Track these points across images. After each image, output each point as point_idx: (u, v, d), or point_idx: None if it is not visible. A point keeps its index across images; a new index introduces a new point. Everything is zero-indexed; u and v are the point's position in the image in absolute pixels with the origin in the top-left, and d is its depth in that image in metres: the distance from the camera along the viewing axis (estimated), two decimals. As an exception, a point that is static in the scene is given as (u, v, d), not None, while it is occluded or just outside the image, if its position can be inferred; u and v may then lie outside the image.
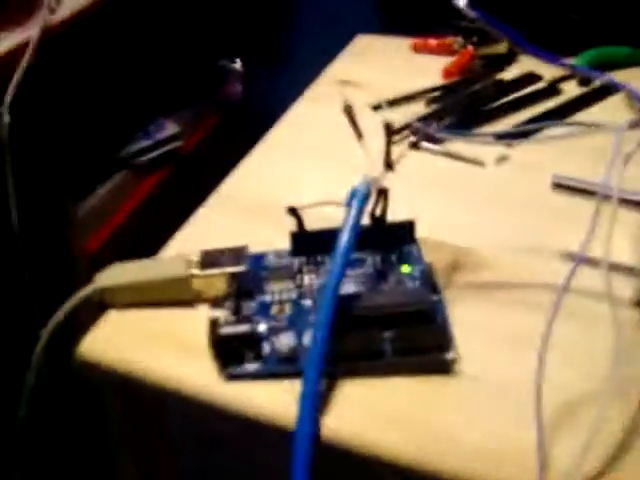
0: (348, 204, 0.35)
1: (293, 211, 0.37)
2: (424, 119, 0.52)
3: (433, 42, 0.67)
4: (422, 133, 0.35)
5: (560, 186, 0.39)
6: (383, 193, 0.38)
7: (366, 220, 0.39)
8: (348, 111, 0.35)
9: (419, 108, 0.59)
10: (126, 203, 1.06)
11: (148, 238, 0.48)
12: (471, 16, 0.32)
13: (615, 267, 0.39)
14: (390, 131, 0.35)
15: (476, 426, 0.32)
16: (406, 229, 0.40)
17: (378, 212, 0.39)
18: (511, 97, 0.61)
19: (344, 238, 0.34)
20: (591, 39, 0.70)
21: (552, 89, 0.64)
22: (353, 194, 0.36)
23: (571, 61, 0.65)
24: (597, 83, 0.65)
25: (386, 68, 0.67)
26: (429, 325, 0.35)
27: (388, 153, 0.36)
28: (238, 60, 1.44)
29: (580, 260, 0.33)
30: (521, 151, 0.53)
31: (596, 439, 0.30)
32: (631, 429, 0.31)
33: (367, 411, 0.33)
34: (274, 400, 0.33)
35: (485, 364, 0.35)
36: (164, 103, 1.20)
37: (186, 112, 1.24)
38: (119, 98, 1.08)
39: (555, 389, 0.33)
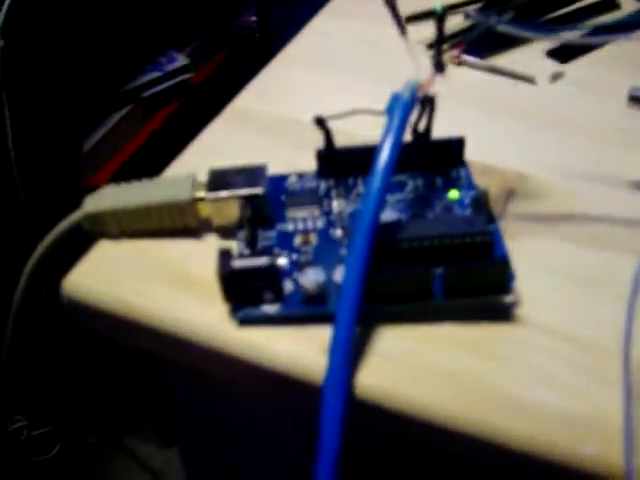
0: (389, 112, 0.28)
1: (321, 122, 0.30)
2: (481, 11, 0.44)
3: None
4: (481, 26, 0.28)
5: (638, 100, 0.32)
6: (430, 102, 0.31)
7: (407, 136, 0.32)
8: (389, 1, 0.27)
9: (458, 20, 0.52)
10: (135, 136, 1.00)
11: (157, 172, 0.41)
12: None
13: None
14: (442, 18, 0.28)
15: (542, 385, 0.26)
16: (454, 148, 0.33)
17: (423, 127, 0.32)
18: (571, 7, 0.54)
19: (385, 153, 0.27)
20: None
21: (611, 2, 0.56)
22: (395, 100, 0.29)
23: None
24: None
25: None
26: (486, 260, 0.28)
27: (439, 50, 0.29)
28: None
29: None
30: (577, 67, 0.46)
31: None
32: None
33: (410, 364, 0.27)
34: (298, 349, 0.27)
35: (553, 311, 0.29)
36: (175, 35, 1.13)
37: (197, 44, 1.16)
38: (128, 30, 1.01)
39: None
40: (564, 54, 0.48)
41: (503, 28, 0.29)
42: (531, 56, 0.47)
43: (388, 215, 0.31)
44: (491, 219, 0.31)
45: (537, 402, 0.25)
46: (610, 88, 0.41)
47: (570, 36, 0.39)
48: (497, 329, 0.28)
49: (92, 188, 0.31)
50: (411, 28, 0.32)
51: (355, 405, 0.26)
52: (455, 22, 0.51)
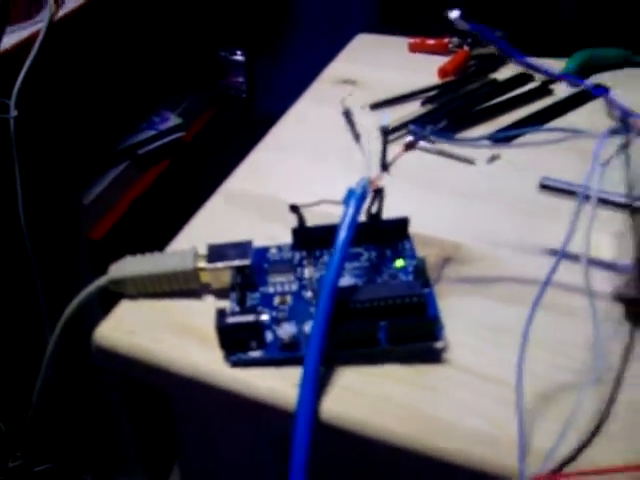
0: (345, 203, 0.38)
1: (294, 208, 0.40)
2: (418, 120, 0.54)
3: (430, 42, 0.69)
4: (417, 135, 0.38)
5: (546, 187, 0.41)
6: (379, 193, 0.41)
7: (363, 217, 0.41)
8: (346, 114, 0.37)
9: (415, 107, 0.62)
10: (130, 192, 1.08)
11: (151, 226, 0.51)
12: (464, 28, 0.34)
13: (595, 263, 0.42)
14: (386, 134, 0.38)
15: (464, 411, 0.35)
16: (400, 226, 0.43)
17: (374, 210, 0.42)
18: (504, 97, 0.64)
19: (341, 235, 0.37)
20: (583, 40, 0.72)
21: (544, 89, 0.66)
22: (350, 194, 0.38)
23: (561, 63, 0.68)
24: (587, 85, 0.68)
25: (385, 67, 0.69)
26: (420, 316, 0.38)
27: (384, 155, 0.38)
28: (240, 52, 1.46)
29: (561, 256, 0.35)
30: (512, 151, 0.56)
31: (574, 425, 0.33)
32: (605, 416, 0.34)
33: (364, 395, 0.36)
34: (276, 384, 0.36)
35: (472, 354, 0.38)
36: (168, 95, 1.23)
37: (188, 103, 1.26)
38: (123, 90, 1.10)
39: (536, 378, 0.35)
40: (503, 138, 0.58)
41: (435, 139, 0.39)
42: (471, 144, 0.57)
43: (347, 280, 0.40)
44: (427, 283, 0.40)
45: (459, 423, 0.34)
46: (533, 168, 0.50)
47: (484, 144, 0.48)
48: (430, 368, 0.37)
49: (91, 242, 0.40)
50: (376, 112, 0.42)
51: (320, 427, 0.35)
52: (412, 109, 0.62)
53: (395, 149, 0.54)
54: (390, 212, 0.43)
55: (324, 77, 0.67)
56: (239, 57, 1.45)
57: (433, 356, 0.38)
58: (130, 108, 1.14)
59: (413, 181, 0.51)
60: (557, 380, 0.36)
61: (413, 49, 0.71)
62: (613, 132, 0.34)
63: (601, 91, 0.54)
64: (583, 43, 0.73)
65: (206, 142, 1.26)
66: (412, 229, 0.45)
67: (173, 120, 1.18)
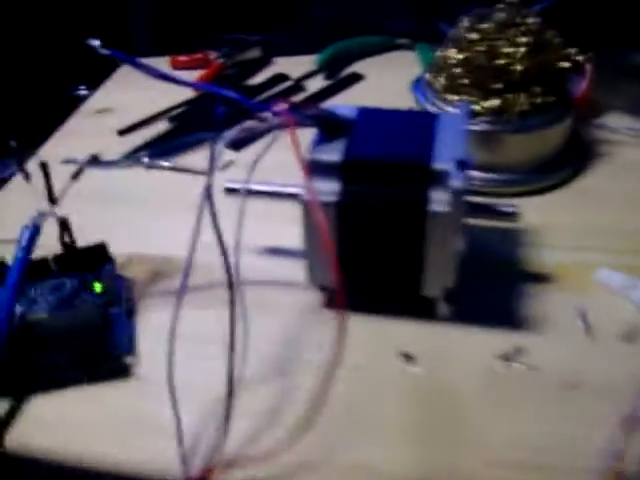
0: (18, 242, 0.39)
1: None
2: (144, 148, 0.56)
3: (184, 58, 0.71)
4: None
5: (232, 191, 0.43)
6: (64, 223, 0.42)
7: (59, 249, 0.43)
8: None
9: (164, 125, 0.63)
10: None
11: None
12: (105, 54, 0.35)
13: (287, 253, 0.45)
14: (46, 169, 0.39)
15: (149, 423, 0.36)
16: (99, 250, 0.44)
17: (67, 239, 0.43)
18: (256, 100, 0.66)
19: (13, 271, 0.38)
20: (338, 34, 0.75)
21: (297, 86, 0.69)
22: (22, 232, 0.39)
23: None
24: (342, 75, 0.70)
25: (145, 90, 0.70)
26: (103, 337, 0.39)
27: (49, 190, 0.39)
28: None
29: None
30: (247, 154, 0.57)
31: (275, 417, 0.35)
32: (286, 408, 0.37)
33: (57, 423, 0.37)
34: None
35: (164, 366, 0.38)
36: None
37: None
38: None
39: (250, 381, 0.36)
40: (238, 144, 0.59)
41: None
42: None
43: (43, 311, 0.41)
44: (119, 302, 0.41)
45: (138, 440, 0.36)
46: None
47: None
48: (120, 384, 0.39)
49: None
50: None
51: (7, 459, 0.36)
52: (160, 127, 0.63)
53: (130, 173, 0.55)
54: (108, 236, 0.45)
55: (81, 110, 0.68)
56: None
57: (122, 373, 0.39)
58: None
59: (134, 201, 0.52)
60: (247, 377, 0.37)
61: (175, 67, 0.72)
62: (240, 129, 0.36)
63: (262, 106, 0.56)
64: (341, 35, 0.75)
65: None
66: (125, 249, 0.46)
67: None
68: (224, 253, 0.31)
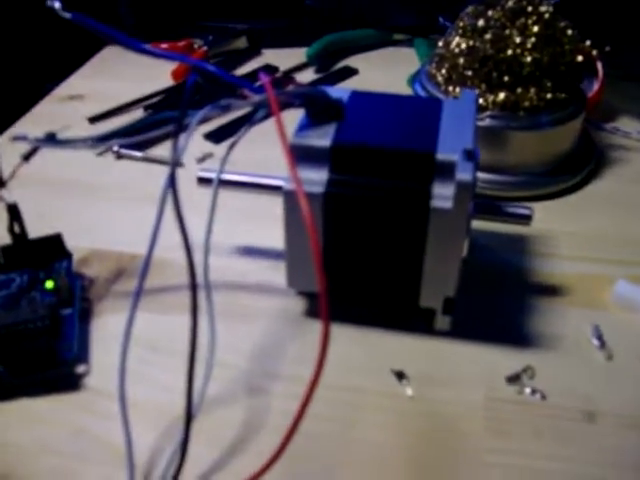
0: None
1: None
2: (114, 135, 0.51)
3: (164, 45, 0.66)
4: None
5: (205, 180, 0.38)
6: (13, 210, 0.36)
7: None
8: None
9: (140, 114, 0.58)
10: None
11: None
12: (66, 17, 0.30)
13: (269, 254, 0.40)
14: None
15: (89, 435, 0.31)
16: (55, 243, 0.39)
17: (17, 230, 0.38)
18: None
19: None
20: (331, 26, 0.70)
21: (287, 79, 0.64)
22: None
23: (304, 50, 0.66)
24: (334, 69, 0.66)
25: (121, 78, 0.65)
26: (48, 342, 0.33)
27: (-1, 174, 0.34)
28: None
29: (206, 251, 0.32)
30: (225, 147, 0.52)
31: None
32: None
33: None
34: None
35: (115, 375, 0.33)
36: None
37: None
38: None
39: (215, 400, 0.32)
40: (218, 136, 0.54)
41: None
42: (192, 140, 0.53)
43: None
44: (70, 303, 0.36)
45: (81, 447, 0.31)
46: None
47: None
48: (66, 397, 0.33)
49: None
50: None
51: None
52: (134, 116, 0.58)
53: (107, 160, 0.50)
54: (62, 227, 0.40)
55: (53, 95, 0.63)
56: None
57: (73, 383, 0.34)
58: None
59: (116, 193, 0.47)
60: (211, 395, 0.32)
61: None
62: (215, 107, 0.31)
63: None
64: (335, 27, 0.71)
65: None
66: (86, 244, 0.41)
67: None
68: (187, 249, 0.25)
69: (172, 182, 0.25)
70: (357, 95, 0.36)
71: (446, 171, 0.30)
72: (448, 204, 0.30)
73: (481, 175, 0.45)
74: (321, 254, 0.26)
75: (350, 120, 0.34)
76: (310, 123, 0.33)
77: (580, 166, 0.48)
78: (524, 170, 0.46)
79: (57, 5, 0.31)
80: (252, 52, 0.69)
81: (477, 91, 0.45)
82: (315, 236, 0.23)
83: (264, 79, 0.28)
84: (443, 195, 0.30)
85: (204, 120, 0.29)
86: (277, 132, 0.26)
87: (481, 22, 0.46)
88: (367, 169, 0.31)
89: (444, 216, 0.30)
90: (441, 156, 0.31)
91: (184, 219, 0.25)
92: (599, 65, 0.54)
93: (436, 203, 0.30)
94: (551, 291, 0.38)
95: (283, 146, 0.26)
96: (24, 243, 0.39)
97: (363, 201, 0.31)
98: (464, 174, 0.29)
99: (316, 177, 0.32)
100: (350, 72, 0.65)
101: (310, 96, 0.33)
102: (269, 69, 0.65)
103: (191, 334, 0.25)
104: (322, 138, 0.32)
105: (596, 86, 0.54)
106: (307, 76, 0.65)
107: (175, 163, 0.26)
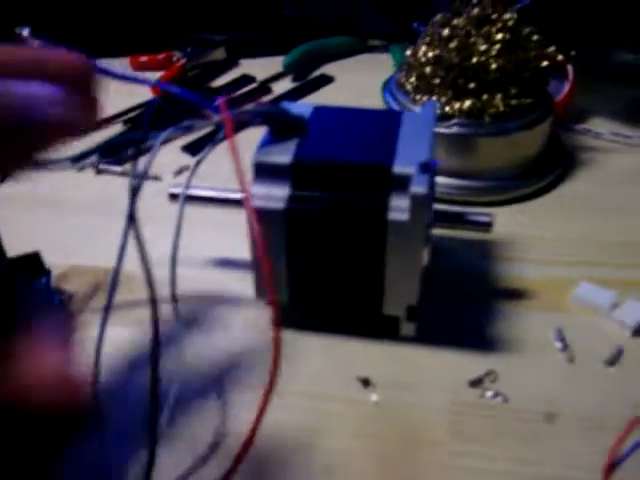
0: None
1: None
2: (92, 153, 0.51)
3: (144, 58, 0.66)
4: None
5: (174, 196, 0.39)
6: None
7: None
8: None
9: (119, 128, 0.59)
10: None
11: None
12: (35, 44, 0.31)
13: (240, 266, 0.41)
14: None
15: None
16: (32, 261, 0.40)
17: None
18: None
19: None
20: (308, 35, 0.71)
21: (264, 88, 0.65)
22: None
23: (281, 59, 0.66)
24: (311, 77, 0.67)
25: (102, 90, 0.66)
26: None
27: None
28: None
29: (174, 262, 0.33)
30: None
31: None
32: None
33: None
34: None
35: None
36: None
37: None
38: None
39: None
40: (195, 149, 0.55)
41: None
42: (170, 153, 0.54)
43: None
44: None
45: None
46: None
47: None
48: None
49: None
50: None
51: None
52: (115, 130, 0.59)
53: (84, 176, 0.51)
54: (41, 245, 0.40)
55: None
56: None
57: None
58: None
59: (90, 208, 0.48)
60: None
61: (135, 68, 0.68)
62: (178, 129, 0.31)
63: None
64: (311, 35, 0.71)
65: None
66: (65, 260, 0.42)
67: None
68: (145, 263, 0.26)
69: (131, 211, 0.26)
70: (320, 110, 0.37)
71: (402, 184, 0.31)
72: (404, 216, 0.31)
73: (450, 181, 0.46)
74: (269, 264, 0.27)
75: (312, 136, 0.34)
76: (272, 140, 0.34)
77: (549, 169, 0.49)
78: (493, 175, 0.47)
79: (25, 33, 0.32)
80: (230, 63, 0.69)
81: (444, 99, 0.46)
82: (262, 247, 0.24)
83: (219, 101, 0.29)
84: (400, 207, 0.31)
85: (166, 141, 0.30)
86: (230, 150, 0.27)
87: (446, 31, 0.47)
88: (327, 184, 0.32)
89: (401, 228, 0.31)
90: (397, 169, 0.32)
91: (142, 237, 0.26)
92: (569, 67, 0.55)
93: (393, 215, 0.31)
94: (516, 295, 0.39)
95: (235, 165, 0.26)
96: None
97: (323, 216, 0.32)
98: (418, 187, 0.30)
99: (279, 193, 0.33)
100: (326, 80, 0.66)
101: (270, 115, 0.34)
102: (246, 79, 0.66)
103: (152, 348, 0.26)
104: (283, 154, 0.33)
105: (566, 88, 0.54)
106: (284, 85, 0.66)
107: (136, 188, 0.27)
